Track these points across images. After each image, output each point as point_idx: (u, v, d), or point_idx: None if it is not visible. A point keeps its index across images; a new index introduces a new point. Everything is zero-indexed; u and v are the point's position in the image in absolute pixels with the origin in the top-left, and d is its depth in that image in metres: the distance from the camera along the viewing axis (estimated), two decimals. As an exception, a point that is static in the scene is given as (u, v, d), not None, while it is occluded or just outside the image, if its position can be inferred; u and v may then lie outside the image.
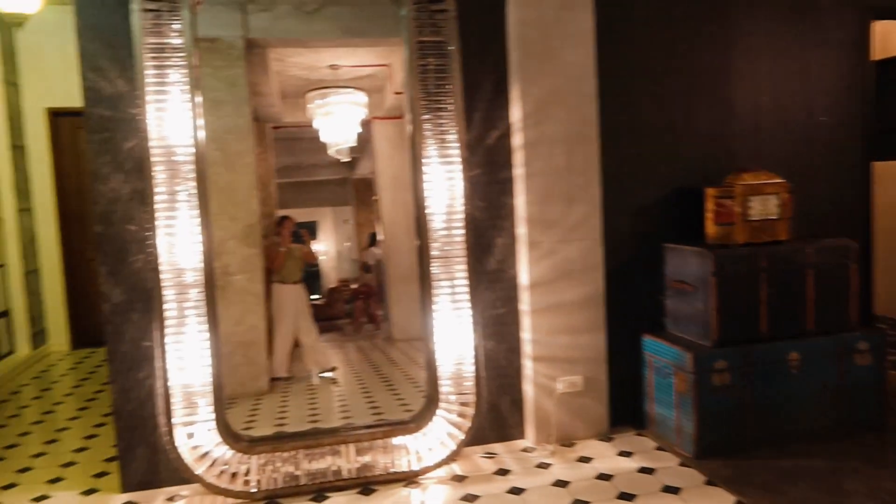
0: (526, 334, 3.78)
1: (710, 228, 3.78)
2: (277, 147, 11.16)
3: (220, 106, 6.32)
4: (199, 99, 3.30)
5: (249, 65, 6.91)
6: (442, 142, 3.44)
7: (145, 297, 3.35)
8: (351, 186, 14.53)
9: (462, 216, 3.47)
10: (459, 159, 3.45)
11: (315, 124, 8.13)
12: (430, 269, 3.46)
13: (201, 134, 3.28)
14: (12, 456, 4.14)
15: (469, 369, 3.53)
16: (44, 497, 3.51)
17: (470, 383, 3.54)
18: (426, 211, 3.43)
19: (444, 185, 3.46)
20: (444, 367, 3.52)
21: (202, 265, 3.23)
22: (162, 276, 3.18)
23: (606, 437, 3.87)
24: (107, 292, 3.36)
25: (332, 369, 5.99)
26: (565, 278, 3.74)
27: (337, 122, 7.78)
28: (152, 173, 3.19)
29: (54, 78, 7.17)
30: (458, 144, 3.45)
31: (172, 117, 3.19)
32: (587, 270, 3.77)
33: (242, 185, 6.17)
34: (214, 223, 6.10)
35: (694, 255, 3.70)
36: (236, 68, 6.31)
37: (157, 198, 3.19)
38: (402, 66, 7.53)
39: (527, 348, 3.79)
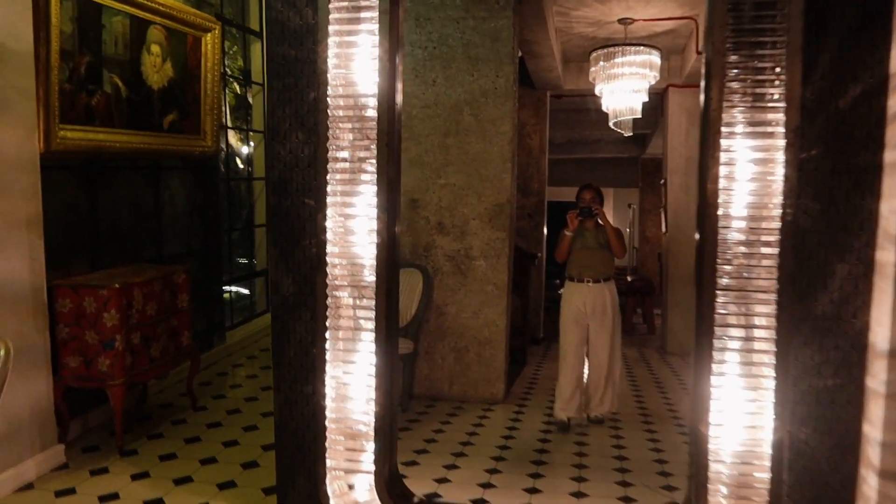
0: (873, 429, 2.27)
1: None
2: (557, 118, 10.18)
3: (477, 64, 5.46)
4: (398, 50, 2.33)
5: (521, 17, 5.92)
6: (756, 100, 2.09)
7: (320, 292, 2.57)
8: (639, 166, 13.03)
9: (778, 223, 2.09)
10: (784, 130, 2.06)
11: (597, 90, 6.92)
12: (713, 305, 2.14)
13: (398, 91, 2.35)
14: (187, 454, 3.76)
15: (761, 472, 2.17)
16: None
17: (762, 495, 2.17)
18: (716, 211, 2.11)
19: (751, 171, 2.11)
20: (719, 463, 2.20)
21: (378, 260, 2.33)
22: (331, 270, 2.36)
23: None
24: (277, 280, 2.65)
25: (613, 414, 4.81)
26: (963, 347, 2.13)
27: (622, 87, 6.49)
28: (337, 132, 2.35)
29: None
30: (783, 105, 2.07)
31: (367, 65, 2.31)
32: None
33: (495, 157, 5.26)
34: (458, 199, 5.51)
35: None
36: (501, 19, 5.38)
37: (337, 165, 2.35)
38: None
39: (871, 451, 2.28)
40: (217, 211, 5.82)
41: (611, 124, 6.96)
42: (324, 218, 2.32)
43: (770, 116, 2.06)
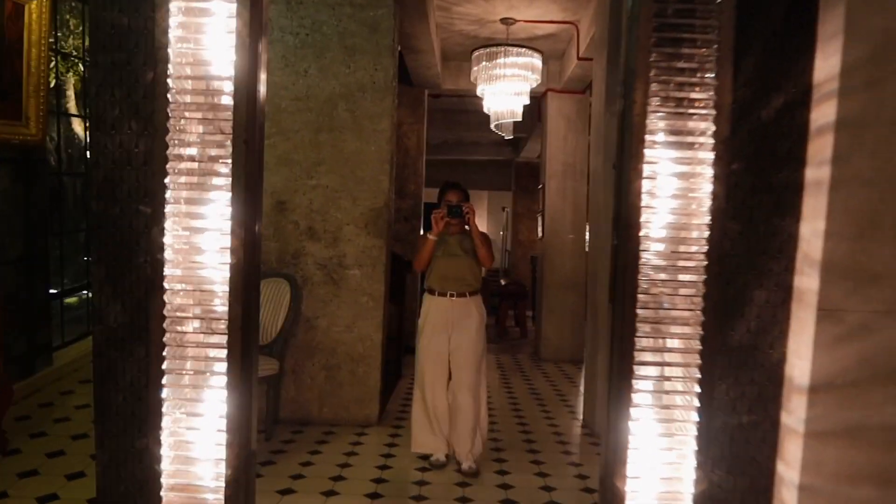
0: (789, 470, 2.09)
1: None
2: (433, 118, 9.90)
3: (354, 55, 5.01)
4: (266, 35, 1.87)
5: (403, 8, 5.54)
6: (680, 105, 1.82)
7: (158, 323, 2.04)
8: (513, 170, 13.06)
9: (700, 246, 1.84)
10: (714, 141, 1.81)
11: (479, 91, 6.67)
12: (633, 341, 1.85)
13: (262, 75, 1.89)
14: None
15: (678, 523, 1.91)
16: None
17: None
18: (639, 232, 1.82)
19: (675, 186, 1.84)
20: (635, 516, 1.92)
21: (231, 286, 1.84)
22: (171, 298, 1.85)
23: None
24: (101, 308, 2.09)
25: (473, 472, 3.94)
26: (888, 383, 1.99)
27: (504, 89, 6.28)
28: (182, 123, 1.85)
29: None
30: (711, 112, 1.81)
31: (221, 40, 1.82)
32: (931, 372, 1.99)
33: (372, 157, 4.83)
34: (331, 202, 5.00)
35: None
36: (381, 8, 4.96)
37: (181, 165, 1.85)
38: (592, 22, 5.87)
39: (787, 494, 2.10)
40: (43, 210, 4.98)
41: (492, 126, 6.74)
42: (161, 232, 1.81)
43: (695, 125, 1.80)
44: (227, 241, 1.82)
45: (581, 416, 5.22)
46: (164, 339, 1.85)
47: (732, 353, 2.13)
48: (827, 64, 1.95)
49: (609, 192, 4.42)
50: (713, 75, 1.79)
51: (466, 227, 4.00)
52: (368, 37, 4.70)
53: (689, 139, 1.83)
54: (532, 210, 12.36)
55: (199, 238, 1.84)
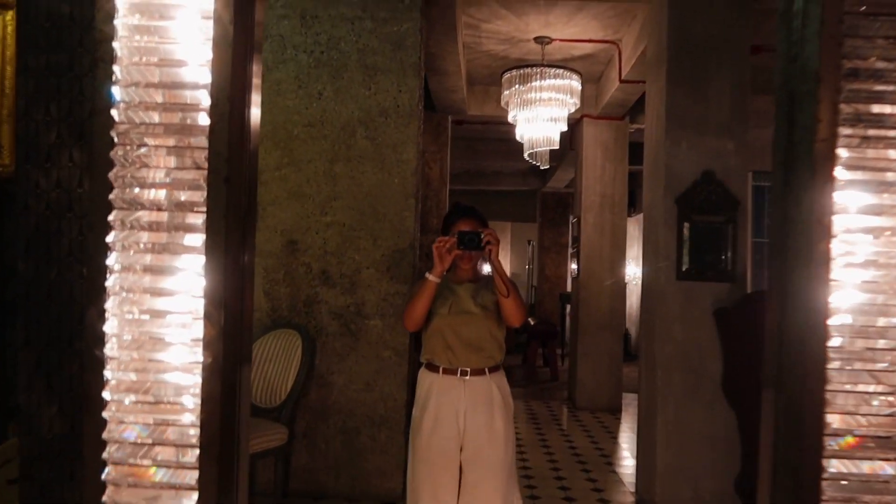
0: None
1: None
2: (455, 146, 9.34)
3: (375, 75, 4.44)
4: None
5: (428, 22, 5.02)
6: (866, 126, 1.21)
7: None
8: (538, 200, 12.45)
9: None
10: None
11: (511, 116, 6.08)
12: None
13: (255, 87, 1.31)
14: None
15: None
16: None
17: None
18: (824, 318, 1.18)
19: (869, 251, 1.22)
20: None
21: (204, 397, 1.23)
22: (114, 406, 1.25)
23: None
24: (29, 409, 1.49)
25: None
26: None
27: (539, 115, 5.68)
28: (140, 154, 1.27)
29: None
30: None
31: (194, 36, 1.25)
32: None
33: (395, 190, 4.23)
34: (348, 242, 3.97)
35: None
36: (406, 22, 4.41)
37: (139, 215, 1.26)
38: (638, 39, 5.30)
39: None
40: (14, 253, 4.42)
41: (525, 155, 6.14)
42: (101, 316, 1.21)
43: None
44: (198, 330, 1.22)
45: (633, 487, 4.54)
46: (106, 475, 1.24)
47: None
48: None
49: (671, 232, 3.80)
50: (939, 79, 1.18)
51: (485, 267, 2.76)
52: (391, 55, 4.14)
53: (887, 177, 1.21)
54: (559, 243, 11.73)
55: (160, 326, 1.24)
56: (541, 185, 11.60)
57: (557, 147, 5.85)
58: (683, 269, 3.65)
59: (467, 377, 2.64)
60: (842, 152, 1.20)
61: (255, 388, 3.91)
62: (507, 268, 14.03)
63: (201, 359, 1.20)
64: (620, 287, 7.09)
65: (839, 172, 1.20)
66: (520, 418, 6.61)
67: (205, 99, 1.23)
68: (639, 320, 4.54)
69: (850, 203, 1.22)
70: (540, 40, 5.71)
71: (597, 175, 6.95)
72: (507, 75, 5.58)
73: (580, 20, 5.36)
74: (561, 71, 5.37)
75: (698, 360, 3.77)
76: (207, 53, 1.22)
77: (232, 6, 1.19)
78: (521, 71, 5.42)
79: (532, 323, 9.52)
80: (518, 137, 5.96)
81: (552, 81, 5.32)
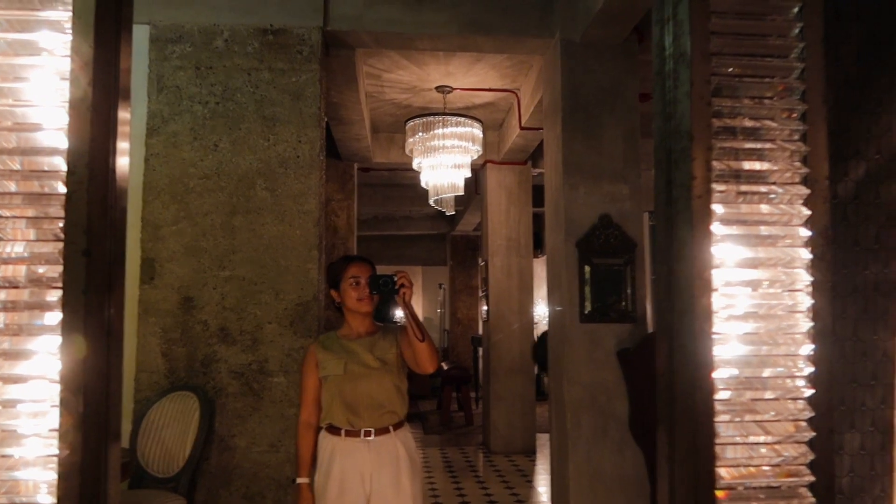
0: None
1: None
2: (362, 192, 9.29)
3: (274, 126, 4.37)
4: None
5: (329, 73, 4.97)
6: (756, 181, 1.25)
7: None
8: (448, 244, 12.54)
9: (794, 391, 1.24)
10: (811, 233, 1.24)
11: (415, 164, 6.11)
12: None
13: (121, 157, 1.22)
14: None
15: None
16: None
17: None
18: (708, 371, 1.20)
19: (749, 301, 1.25)
20: None
21: None
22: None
23: None
24: None
25: None
26: None
27: (443, 161, 5.74)
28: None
29: None
30: (804, 192, 1.24)
31: (51, 93, 1.16)
32: None
33: (297, 242, 4.13)
34: (249, 296, 3.78)
35: None
36: (305, 73, 4.37)
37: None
38: (535, 89, 5.47)
39: None
40: None
41: (431, 202, 6.17)
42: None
43: (781, 209, 1.24)
44: (52, 448, 1.09)
45: (550, 532, 4.51)
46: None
47: (820, 522, 1.52)
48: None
49: (573, 275, 3.87)
50: (800, 136, 1.24)
51: (402, 308, 2.52)
52: (291, 105, 4.08)
53: (768, 230, 1.26)
54: (470, 286, 11.80)
55: (11, 417, 1.11)
56: (450, 228, 11.70)
57: (462, 193, 5.91)
58: (586, 311, 3.71)
59: (371, 438, 2.54)
60: (717, 208, 1.24)
61: (151, 457, 3.66)
62: (419, 312, 13.99)
63: (54, 477, 1.07)
64: (530, 328, 7.16)
65: (716, 228, 1.23)
66: (435, 467, 6.49)
67: (60, 163, 1.14)
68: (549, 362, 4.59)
69: (728, 257, 1.26)
70: (441, 89, 5.80)
71: (502, 219, 7.06)
72: (410, 123, 5.62)
73: (479, 70, 5.48)
74: (462, 119, 5.46)
75: (606, 401, 3.82)
76: (65, 117, 1.13)
77: (91, 66, 1.11)
78: (424, 119, 5.47)
79: (445, 367, 9.47)
80: (423, 184, 5.98)
81: (454, 129, 5.40)
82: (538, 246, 9.06)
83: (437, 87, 5.80)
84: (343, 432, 2.54)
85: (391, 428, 2.58)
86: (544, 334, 6.35)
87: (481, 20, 4.28)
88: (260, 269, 3.93)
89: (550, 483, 4.36)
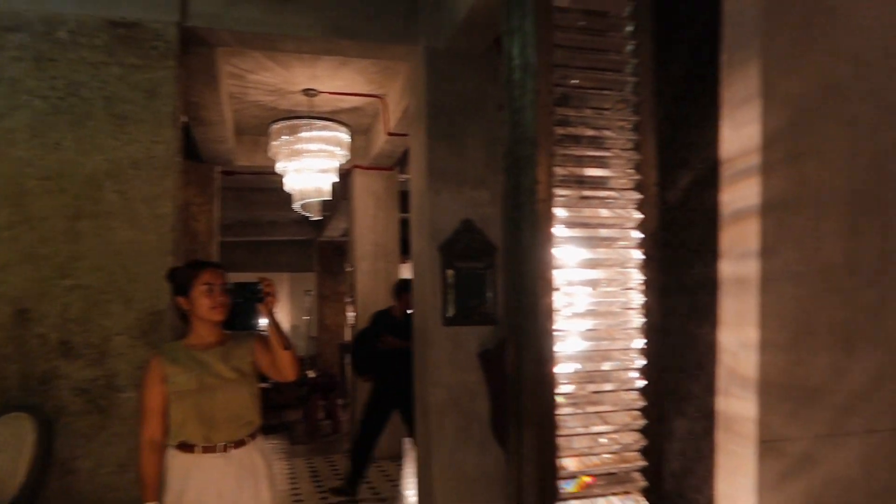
0: None
1: None
2: (226, 196, 8.96)
3: (125, 125, 4.09)
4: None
5: (188, 71, 4.74)
6: (594, 187, 1.34)
7: None
8: (316, 250, 12.34)
9: (629, 382, 1.33)
10: (643, 235, 1.33)
11: (278, 167, 5.98)
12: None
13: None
14: None
15: None
16: None
17: None
18: (549, 367, 1.26)
19: (589, 299, 1.33)
20: None
21: None
22: None
23: None
24: None
25: None
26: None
27: (309, 166, 5.65)
28: None
29: None
30: (636, 197, 1.34)
31: None
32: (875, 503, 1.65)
33: (150, 248, 3.88)
34: (95, 307, 3.52)
35: None
36: (161, 70, 4.13)
37: None
38: (401, 95, 5.53)
39: None
40: None
41: (296, 206, 6.05)
42: None
43: (615, 213, 1.33)
44: None
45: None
46: None
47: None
48: (738, 135, 1.60)
49: (436, 279, 3.94)
50: (633, 146, 1.33)
51: (266, 315, 2.47)
52: (145, 104, 3.86)
53: (607, 233, 1.34)
54: (337, 292, 11.68)
55: None
56: (318, 234, 11.53)
57: (329, 198, 5.85)
58: (449, 314, 3.78)
59: (230, 451, 2.46)
60: (560, 212, 1.31)
61: (-21, 486, 3.32)
62: (286, 319, 13.65)
63: None
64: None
65: (559, 230, 1.30)
66: (301, 477, 6.36)
67: None
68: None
69: (570, 258, 1.33)
70: (307, 92, 5.71)
71: (369, 224, 7.06)
72: (274, 126, 5.48)
73: (345, 75, 5.45)
74: (329, 123, 5.40)
75: (469, 402, 3.91)
76: None
77: None
78: (289, 122, 5.36)
79: (312, 375, 9.31)
80: (287, 188, 5.86)
81: (320, 133, 5.33)
82: (406, 251, 9.12)
83: (303, 90, 5.71)
84: (201, 449, 2.44)
85: (247, 439, 2.52)
86: (362, 332, 6.11)
87: (346, 25, 4.25)
88: (108, 276, 3.68)
89: (417, 486, 4.40)
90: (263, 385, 8.85)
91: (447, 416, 3.89)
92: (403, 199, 7.07)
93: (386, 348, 5.62)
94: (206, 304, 2.52)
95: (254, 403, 2.57)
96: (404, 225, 7.67)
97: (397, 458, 7.10)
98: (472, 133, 4.07)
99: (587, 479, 1.33)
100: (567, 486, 1.25)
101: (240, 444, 2.49)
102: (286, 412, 10.52)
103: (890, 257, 1.65)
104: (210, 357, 2.52)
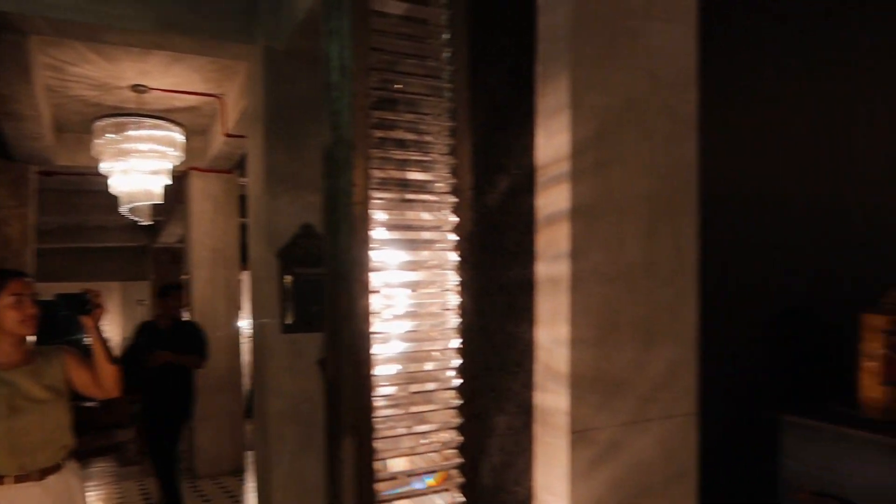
0: None
1: (872, 390, 2.02)
2: (46, 200, 8.19)
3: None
4: None
5: (-10, 59, 4.32)
6: (409, 190, 1.36)
7: None
8: (151, 257, 11.58)
9: (446, 382, 1.37)
10: (458, 238, 1.37)
11: (103, 168, 5.53)
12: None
13: None
14: None
15: None
16: None
17: None
18: (367, 368, 1.27)
19: (408, 301, 1.35)
20: None
21: None
22: None
23: None
24: None
25: None
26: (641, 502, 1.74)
27: (137, 167, 5.27)
28: None
29: None
30: (451, 201, 1.38)
31: None
32: (673, 482, 1.81)
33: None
34: None
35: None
36: (-44, 55, 3.70)
37: None
38: (240, 96, 5.34)
39: None
40: None
41: (123, 210, 5.64)
42: None
43: (432, 217, 1.35)
44: None
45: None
46: None
47: (478, 500, 1.68)
48: (551, 143, 1.70)
49: (274, 286, 3.83)
50: (450, 151, 1.37)
51: (90, 331, 2.30)
52: (-65, 92, 3.44)
53: (428, 235, 1.37)
54: (179, 304, 11.01)
55: None
56: (152, 240, 10.83)
57: (161, 201, 5.51)
58: (288, 322, 3.69)
59: (47, 479, 2.26)
60: (380, 214, 1.32)
61: None
62: (116, 332, 12.69)
63: None
64: (237, 344, 6.93)
65: (379, 233, 1.31)
66: (132, 502, 5.92)
67: None
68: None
69: (390, 260, 1.34)
70: (136, 88, 5.35)
71: (208, 229, 6.74)
72: (98, 124, 5.08)
73: (179, 71, 5.17)
74: (161, 122, 5.09)
75: (309, 410, 3.84)
76: None
77: None
78: (115, 119, 4.99)
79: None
80: (113, 191, 5.46)
81: (151, 132, 5.01)
82: (246, 258, 8.81)
83: (131, 86, 5.34)
84: (10, 479, 2.20)
85: (61, 463, 2.33)
86: (130, 347, 5.30)
87: (178, 19, 4.03)
88: None
89: (257, 497, 4.24)
90: (90, 404, 8.12)
91: (287, 425, 3.79)
92: (244, 203, 6.82)
93: (157, 365, 4.94)
94: (14, 317, 2.28)
95: (69, 424, 2.38)
96: (246, 231, 7.41)
97: (240, 473, 6.82)
98: (311, 135, 4.00)
99: (442, 475, 1.34)
100: (429, 479, 1.26)
101: (56, 469, 2.29)
102: (117, 432, 9.77)
103: (684, 259, 1.83)
104: (19, 377, 2.29)
